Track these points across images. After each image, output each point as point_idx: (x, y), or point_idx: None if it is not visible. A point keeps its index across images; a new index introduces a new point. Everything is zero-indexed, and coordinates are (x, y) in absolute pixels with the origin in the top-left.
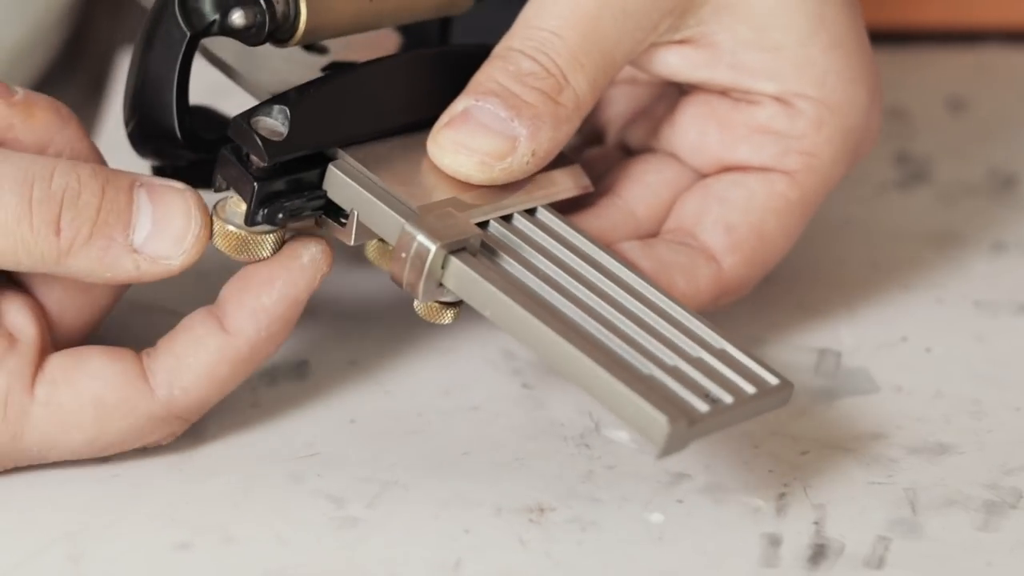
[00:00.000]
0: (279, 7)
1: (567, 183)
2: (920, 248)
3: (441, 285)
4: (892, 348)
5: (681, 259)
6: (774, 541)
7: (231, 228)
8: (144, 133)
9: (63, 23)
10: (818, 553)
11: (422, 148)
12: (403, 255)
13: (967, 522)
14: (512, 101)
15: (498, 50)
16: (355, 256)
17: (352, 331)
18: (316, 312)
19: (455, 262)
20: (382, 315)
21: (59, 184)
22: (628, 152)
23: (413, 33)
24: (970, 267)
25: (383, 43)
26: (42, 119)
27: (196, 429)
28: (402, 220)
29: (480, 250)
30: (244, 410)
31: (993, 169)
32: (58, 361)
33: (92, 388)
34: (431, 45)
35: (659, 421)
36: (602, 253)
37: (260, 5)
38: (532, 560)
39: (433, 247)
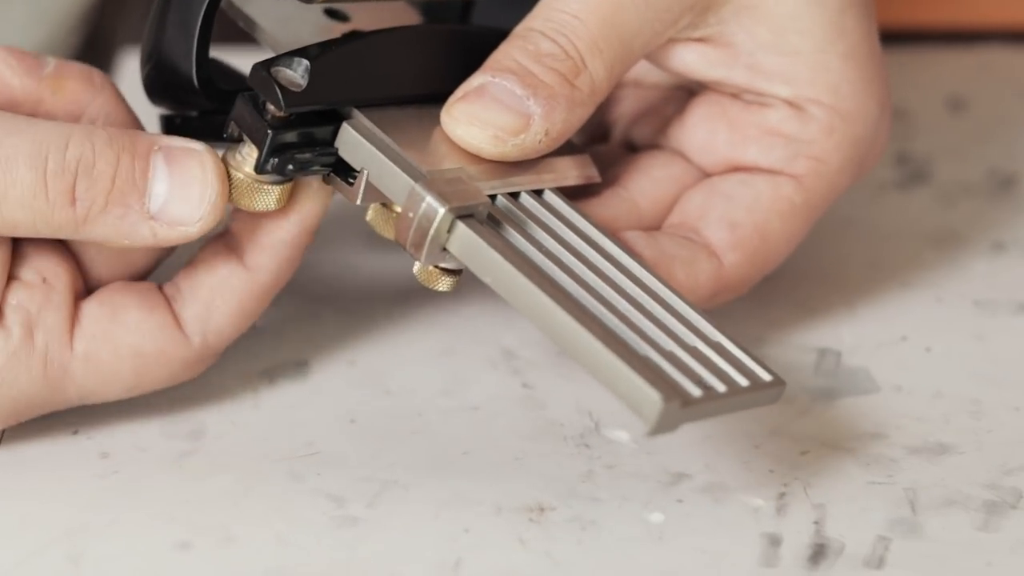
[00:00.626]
0: None
1: (575, 171)
2: (920, 248)
3: (444, 250)
4: (892, 348)
5: (683, 252)
6: (774, 541)
7: (239, 175)
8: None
9: (80, 26)
10: (818, 553)
11: (435, 119)
12: (410, 215)
13: (967, 522)
14: (529, 80)
15: (518, 30)
16: (354, 256)
17: (352, 331)
18: (316, 312)
19: (461, 227)
20: (382, 315)
21: (73, 154)
22: (633, 150)
23: (434, 14)
24: (970, 267)
25: (404, 21)
26: (72, 90)
27: (196, 429)
28: (412, 181)
29: (487, 219)
30: (244, 410)
31: (993, 169)
32: (94, 312)
33: (130, 342)
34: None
35: (652, 398)
36: (605, 239)
37: None
38: (532, 560)
39: (442, 209)
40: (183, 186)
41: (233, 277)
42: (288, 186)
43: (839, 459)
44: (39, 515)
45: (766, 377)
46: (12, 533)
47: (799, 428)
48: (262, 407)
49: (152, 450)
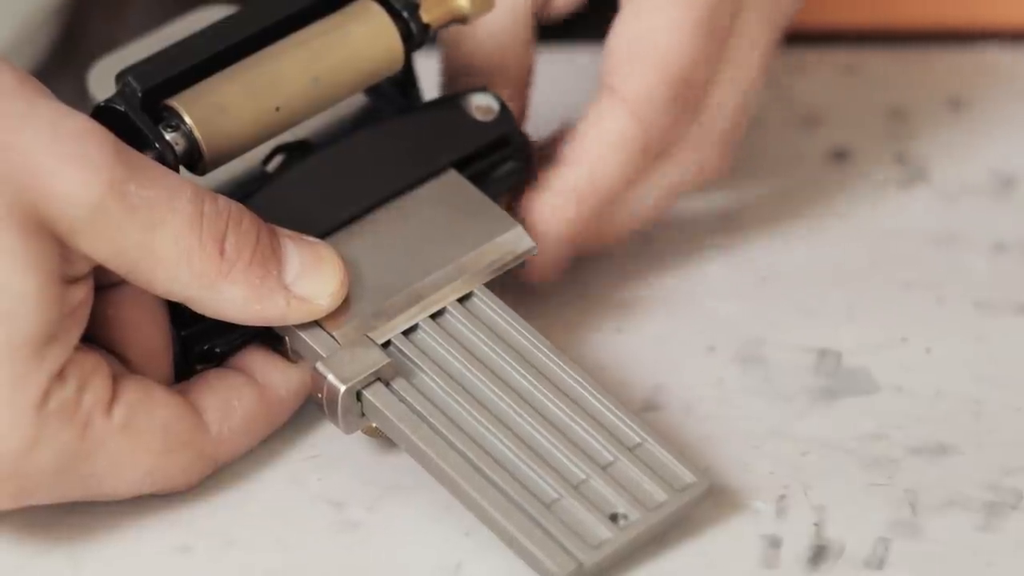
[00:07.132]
0: (180, 147)
1: (505, 253)
2: (920, 248)
3: (363, 415)
4: (892, 348)
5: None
6: (774, 542)
7: None
8: None
9: (52, 22)
10: (818, 554)
11: (361, 240)
12: (319, 395)
13: (967, 522)
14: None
15: None
16: None
17: None
18: None
19: (367, 398)
20: None
21: (224, 205)
22: None
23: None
24: (970, 267)
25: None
26: None
27: None
28: (318, 355)
29: (395, 374)
30: None
31: (993, 169)
32: (131, 386)
33: (163, 415)
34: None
35: (551, 571)
36: (532, 339)
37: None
38: None
39: (343, 387)
40: (314, 263)
41: (246, 387)
42: None
43: (839, 460)
44: (41, 518)
45: (688, 479)
46: (15, 536)
47: (799, 428)
48: None
49: None
